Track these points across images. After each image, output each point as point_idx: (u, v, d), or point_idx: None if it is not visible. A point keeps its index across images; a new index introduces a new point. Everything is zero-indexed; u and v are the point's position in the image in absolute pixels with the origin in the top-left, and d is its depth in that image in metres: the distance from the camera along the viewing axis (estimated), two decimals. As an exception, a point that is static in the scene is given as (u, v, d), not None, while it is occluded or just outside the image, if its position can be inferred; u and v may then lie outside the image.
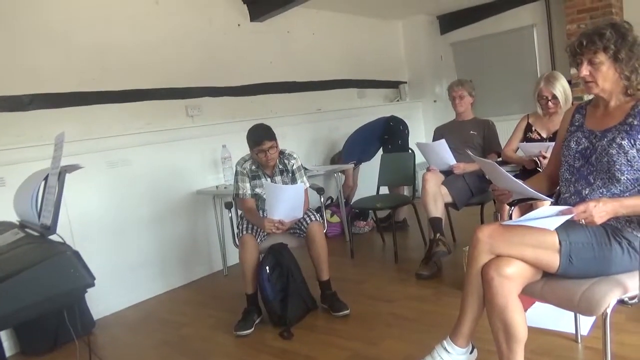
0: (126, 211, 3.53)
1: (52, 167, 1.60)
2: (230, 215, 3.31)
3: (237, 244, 2.95)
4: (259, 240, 2.89)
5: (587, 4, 5.05)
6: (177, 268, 3.83)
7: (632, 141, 1.69)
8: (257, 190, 2.99)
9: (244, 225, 2.91)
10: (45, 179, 1.64)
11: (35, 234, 1.55)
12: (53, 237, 1.48)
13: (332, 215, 4.67)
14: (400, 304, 2.91)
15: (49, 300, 1.18)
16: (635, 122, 1.70)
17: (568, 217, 1.61)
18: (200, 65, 4.18)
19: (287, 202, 2.75)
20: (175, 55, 3.99)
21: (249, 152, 2.97)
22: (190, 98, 4.10)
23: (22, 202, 1.74)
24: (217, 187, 3.95)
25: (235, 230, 3.07)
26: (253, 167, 2.98)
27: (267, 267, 2.79)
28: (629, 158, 1.69)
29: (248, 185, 2.98)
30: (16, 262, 1.20)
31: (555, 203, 1.90)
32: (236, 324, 2.78)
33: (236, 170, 3.01)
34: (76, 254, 1.22)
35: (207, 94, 4.23)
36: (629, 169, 1.69)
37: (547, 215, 1.68)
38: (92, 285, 1.31)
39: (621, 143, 1.70)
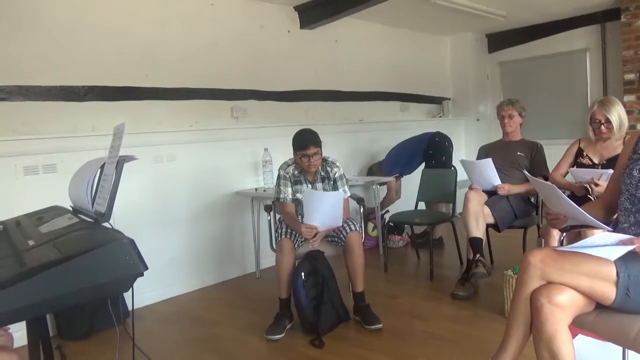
0: (166, 206, 3.60)
1: (110, 156, 1.63)
2: (269, 218, 3.32)
3: (275, 247, 2.95)
4: (296, 245, 2.89)
5: (646, 30, 4.89)
6: (211, 266, 3.86)
7: (700, 173, 1.60)
8: (298, 195, 2.99)
9: (283, 230, 2.91)
10: (102, 167, 1.68)
11: (89, 220, 1.58)
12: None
13: (373, 229, 4.61)
14: (435, 322, 2.84)
15: (102, 285, 1.19)
16: None
17: (629, 248, 1.54)
18: (248, 68, 4.24)
19: (325, 209, 2.74)
20: (225, 56, 4.07)
21: (292, 157, 2.98)
22: (236, 100, 4.17)
23: (77, 188, 1.78)
24: (256, 189, 3.98)
25: (274, 234, 3.07)
26: (296, 172, 2.99)
27: (303, 274, 2.77)
28: (696, 191, 1.60)
29: (290, 189, 2.98)
30: (75, 245, 1.22)
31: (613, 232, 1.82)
32: (268, 328, 2.78)
33: (279, 174, 3.02)
34: (132, 242, 1.24)
35: (252, 97, 4.29)
36: (697, 202, 1.60)
37: (606, 244, 1.61)
38: (142, 274, 1.32)
39: (688, 175, 1.62)
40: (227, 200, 3.97)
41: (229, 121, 4.13)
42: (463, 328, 2.74)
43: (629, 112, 4.37)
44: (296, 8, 4.62)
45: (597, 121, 2.95)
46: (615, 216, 1.91)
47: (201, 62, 3.91)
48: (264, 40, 4.37)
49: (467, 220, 3.19)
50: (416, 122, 5.64)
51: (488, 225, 3.31)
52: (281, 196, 2.98)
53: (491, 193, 3.38)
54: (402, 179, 4.78)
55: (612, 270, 1.59)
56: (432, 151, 4.56)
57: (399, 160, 4.64)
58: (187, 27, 3.84)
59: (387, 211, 4.65)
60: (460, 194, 3.76)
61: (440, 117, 6.19)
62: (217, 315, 3.20)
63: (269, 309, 2.95)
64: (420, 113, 6.06)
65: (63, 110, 3.22)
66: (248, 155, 4.13)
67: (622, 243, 1.58)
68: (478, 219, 3.18)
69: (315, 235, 2.78)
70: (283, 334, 2.75)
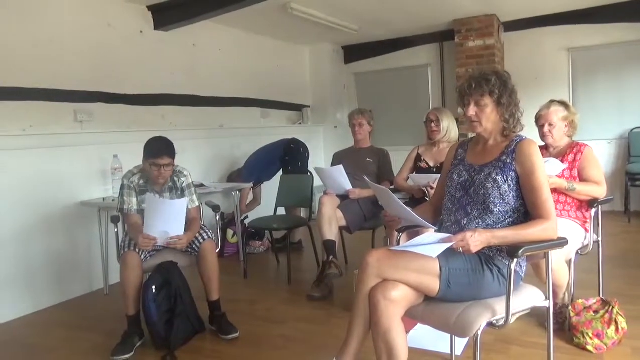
0: (-6, 221, 3.17)
1: None
2: (115, 230, 3.09)
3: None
4: (143, 257, 2.72)
5: (475, 52, 5.57)
6: (50, 286, 3.48)
7: (504, 177, 1.86)
8: (144, 206, 2.80)
9: (127, 242, 2.73)
10: None
11: None
12: None
13: (233, 236, 4.55)
14: (290, 325, 2.90)
15: None
16: (508, 160, 1.88)
17: (448, 244, 1.73)
18: (95, 69, 3.92)
19: (167, 218, 2.62)
20: (67, 55, 3.71)
21: (137, 165, 2.83)
22: (81, 102, 3.82)
23: None
24: (104, 199, 3.69)
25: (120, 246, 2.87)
26: (141, 182, 2.83)
27: (154, 287, 2.63)
28: (501, 192, 1.86)
29: (135, 200, 2.81)
30: None
31: (439, 231, 2.02)
32: (114, 348, 2.57)
33: (123, 184, 2.83)
34: None
35: (101, 100, 3.97)
36: (501, 202, 1.86)
37: (431, 242, 1.79)
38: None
39: (496, 178, 1.87)
40: (70, 211, 3.61)
41: (72, 125, 3.77)
42: (317, 328, 2.84)
43: (460, 123, 4.94)
44: (150, 8, 4.40)
45: (430, 120, 3.38)
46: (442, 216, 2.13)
47: (38, 59, 3.51)
48: (113, 40, 4.08)
49: (321, 224, 3.32)
50: (277, 129, 5.74)
51: (341, 228, 3.47)
52: (125, 207, 2.79)
53: (344, 197, 3.55)
54: (262, 185, 4.81)
55: (436, 266, 1.77)
56: (288, 157, 4.67)
57: (257, 167, 4.67)
58: (22, 20, 3.41)
59: (247, 217, 4.64)
60: (317, 198, 3.89)
61: (300, 124, 6.37)
62: (55, 340, 2.89)
63: (117, 328, 2.73)
64: (280, 119, 6.17)
65: None
66: (95, 162, 3.81)
67: (443, 241, 1.77)
68: (331, 222, 3.32)
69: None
70: (132, 353, 2.57)
